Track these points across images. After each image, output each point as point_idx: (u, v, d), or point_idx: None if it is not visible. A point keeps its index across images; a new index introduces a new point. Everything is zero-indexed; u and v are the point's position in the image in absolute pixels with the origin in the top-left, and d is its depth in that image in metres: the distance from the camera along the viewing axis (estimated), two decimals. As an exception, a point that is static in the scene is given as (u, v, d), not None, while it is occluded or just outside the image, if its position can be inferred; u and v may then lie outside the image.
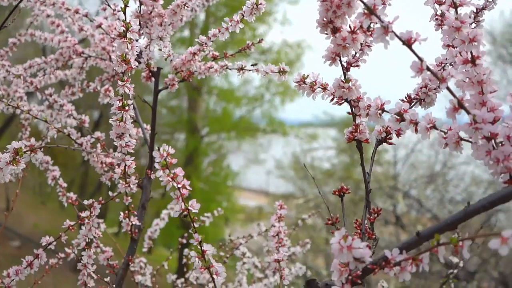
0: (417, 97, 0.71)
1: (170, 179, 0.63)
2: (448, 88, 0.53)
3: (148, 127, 1.15)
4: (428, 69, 0.52)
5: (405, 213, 6.47)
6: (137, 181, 0.93)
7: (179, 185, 0.64)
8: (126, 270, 1.02)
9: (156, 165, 0.63)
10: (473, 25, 0.75)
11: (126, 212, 0.98)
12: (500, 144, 0.53)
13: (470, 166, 6.97)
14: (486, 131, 0.52)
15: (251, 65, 0.95)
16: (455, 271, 1.13)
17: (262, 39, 1.04)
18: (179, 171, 0.64)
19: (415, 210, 6.67)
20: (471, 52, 0.55)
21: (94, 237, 1.00)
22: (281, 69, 0.87)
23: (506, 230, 0.41)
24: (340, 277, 0.55)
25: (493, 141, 0.55)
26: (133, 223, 0.99)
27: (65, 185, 1.14)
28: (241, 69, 0.96)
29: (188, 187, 0.64)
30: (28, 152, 0.68)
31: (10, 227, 7.01)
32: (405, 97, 0.72)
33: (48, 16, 1.23)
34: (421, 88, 0.71)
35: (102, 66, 1.23)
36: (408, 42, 0.53)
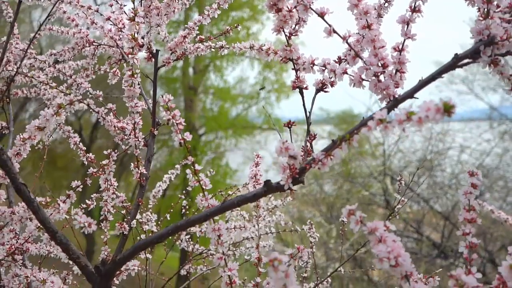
0: (345, 58, 0.99)
1: (171, 117, 0.91)
2: (348, 43, 0.81)
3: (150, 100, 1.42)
4: (334, 31, 0.80)
5: (395, 197, 6.76)
6: (144, 136, 1.21)
7: (177, 122, 0.91)
8: (137, 210, 1.30)
9: (161, 108, 0.91)
10: (386, 4, 1.03)
11: (136, 163, 1.26)
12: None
13: (456, 151, 7.27)
14: (372, 71, 0.80)
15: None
16: (400, 206, 1.41)
17: (238, 25, 1.32)
18: (177, 112, 0.92)
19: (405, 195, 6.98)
20: (366, 20, 0.83)
21: (110, 185, 1.28)
22: (251, 45, 1.14)
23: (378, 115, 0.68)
24: (284, 172, 0.82)
25: (382, 77, 0.83)
26: (141, 171, 1.27)
27: (84, 148, 1.41)
28: (221, 47, 1.25)
29: (183, 123, 0.92)
30: (68, 105, 0.95)
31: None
32: (337, 58, 0.99)
33: (64, 12, 1.50)
34: (348, 51, 0.99)
35: (110, 53, 1.51)
36: (321, 15, 0.80)
